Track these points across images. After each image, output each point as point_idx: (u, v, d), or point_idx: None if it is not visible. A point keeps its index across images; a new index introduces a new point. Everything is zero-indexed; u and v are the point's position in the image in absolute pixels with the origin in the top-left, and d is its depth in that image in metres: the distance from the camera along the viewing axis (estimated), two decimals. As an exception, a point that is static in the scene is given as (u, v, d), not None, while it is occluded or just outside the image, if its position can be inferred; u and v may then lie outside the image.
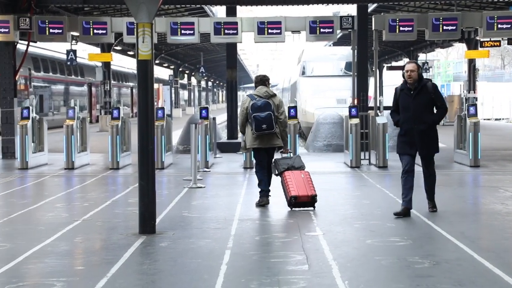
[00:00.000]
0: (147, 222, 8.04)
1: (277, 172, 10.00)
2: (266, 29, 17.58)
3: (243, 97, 10.63)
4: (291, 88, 42.20)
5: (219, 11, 31.06)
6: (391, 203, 10.06)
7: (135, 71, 8.80)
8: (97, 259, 6.90)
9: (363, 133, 15.85)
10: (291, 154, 10.50)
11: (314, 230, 8.20)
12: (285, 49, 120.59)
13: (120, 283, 5.97)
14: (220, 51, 44.85)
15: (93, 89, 42.57)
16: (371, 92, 21.75)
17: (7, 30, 17.53)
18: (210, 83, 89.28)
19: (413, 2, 20.79)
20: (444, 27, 17.04)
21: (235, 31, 17.59)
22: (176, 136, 20.71)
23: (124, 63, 52.61)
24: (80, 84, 41.71)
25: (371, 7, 24.35)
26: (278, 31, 17.60)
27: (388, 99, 14.77)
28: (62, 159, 15.77)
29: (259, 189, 10.10)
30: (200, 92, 65.44)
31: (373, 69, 18.50)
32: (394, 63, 46.42)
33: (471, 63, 32.82)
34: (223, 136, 24.85)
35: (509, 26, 17.12)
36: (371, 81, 23.61)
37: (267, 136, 9.98)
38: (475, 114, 15.32)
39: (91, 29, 17.56)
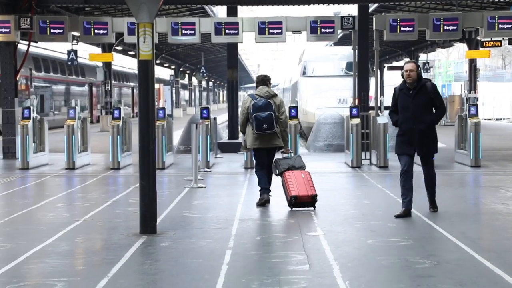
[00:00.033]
0: (148, 222, 8.04)
1: (277, 172, 10.00)
2: (267, 29, 17.58)
3: (243, 97, 10.62)
4: (292, 88, 42.22)
5: (220, 11, 31.06)
6: (392, 203, 10.06)
7: (136, 71, 8.80)
8: (98, 259, 6.90)
9: (364, 133, 15.85)
10: (292, 154, 10.51)
11: (315, 230, 8.20)
12: (286, 49, 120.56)
13: (121, 283, 5.98)
14: (221, 51, 44.87)
15: (94, 89, 42.58)
16: (372, 92, 21.77)
17: (8, 30, 17.55)
18: (211, 83, 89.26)
19: (414, 2, 20.78)
20: (445, 27, 17.05)
21: (236, 31, 17.60)
22: (177, 136, 20.71)
23: (125, 63, 52.62)
24: (81, 84, 41.73)
25: (372, 7, 24.36)
26: (279, 31, 17.61)
27: (388, 99, 14.76)
28: (63, 159, 15.78)
29: (259, 188, 10.09)
30: (201, 92, 65.44)
31: (374, 69, 18.51)
32: (395, 63, 46.43)
33: (472, 63, 32.82)
34: (224, 136, 24.84)
35: (510, 26, 17.12)
36: (372, 81, 23.62)
37: (268, 136, 9.98)
38: (476, 114, 15.31)
39: (92, 29, 17.58)
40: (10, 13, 17.96)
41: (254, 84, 11.10)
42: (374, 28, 17.32)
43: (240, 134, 11.50)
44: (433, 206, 9.27)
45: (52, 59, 37.02)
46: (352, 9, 29.74)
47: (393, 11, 26.21)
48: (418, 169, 9.17)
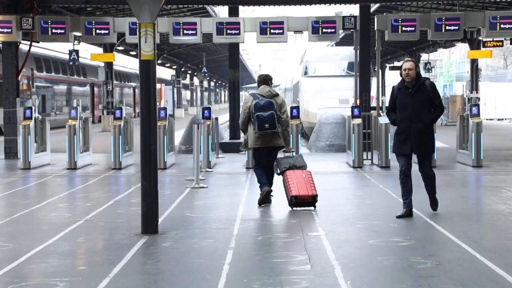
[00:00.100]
0: (149, 222, 8.04)
1: (279, 171, 10.01)
2: (268, 29, 17.58)
3: (245, 97, 10.59)
4: (294, 88, 42.21)
5: (222, 11, 31.06)
6: (394, 203, 10.06)
7: (138, 71, 8.81)
8: (100, 259, 6.91)
9: (365, 133, 15.84)
10: (294, 154, 10.51)
11: (316, 230, 8.20)
12: (288, 49, 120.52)
13: (122, 283, 5.98)
14: (223, 51, 44.88)
15: (96, 89, 42.60)
16: (373, 92, 21.78)
17: (9, 30, 17.55)
18: (212, 83, 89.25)
19: (415, 2, 20.78)
20: (447, 27, 17.04)
21: (238, 31, 17.60)
22: (178, 136, 20.71)
23: (127, 63, 52.64)
24: (83, 84, 41.75)
25: (374, 7, 24.35)
26: (281, 31, 17.60)
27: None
28: (65, 159, 15.79)
29: (259, 184, 10.08)
30: (203, 92, 65.47)
31: (376, 69, 18.51)
32: (396, 63, 46.37)
33: (474, 63, 32.79)
34: (226, 136, 24.87)
35: (511, 26, 17.10)
36: (374, 81, 23.63)
37: (270, 136, 9.98)
38: (478, 114, 15.31)
39: (94, 29, 17.58)
40: (11, 13, 17.97)
41: (255, 84, 11.09)
42: (375, 28, 17.31)
43: (242, 134, 11.49)
44: (433, 205, 9.24)
45: (53, 59, 37.04)
46: (353, 9, 29.70)
47: (394, 11, 26.21)
48: (418, 169, 9.15)
